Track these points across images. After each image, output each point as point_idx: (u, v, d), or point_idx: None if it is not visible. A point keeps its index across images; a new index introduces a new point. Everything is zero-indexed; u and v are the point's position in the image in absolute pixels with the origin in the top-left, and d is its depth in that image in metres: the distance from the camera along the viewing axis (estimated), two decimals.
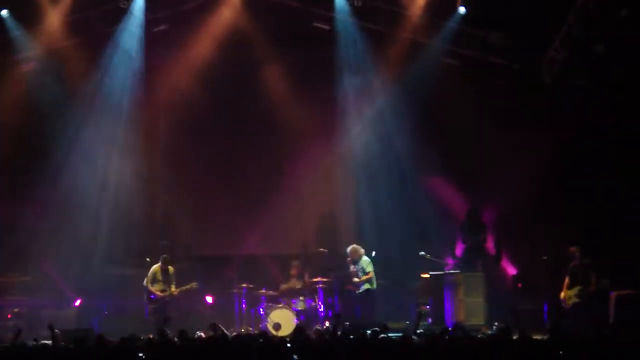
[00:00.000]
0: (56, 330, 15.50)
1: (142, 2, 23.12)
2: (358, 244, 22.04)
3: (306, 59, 24.11)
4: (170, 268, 21.17)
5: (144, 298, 21.24)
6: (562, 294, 20.19)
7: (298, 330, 15.51)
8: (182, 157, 24.51)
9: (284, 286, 22.30)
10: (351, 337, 14.39)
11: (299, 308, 21.38)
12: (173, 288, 20.98)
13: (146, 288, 21.07)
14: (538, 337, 13.75)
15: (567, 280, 20.19)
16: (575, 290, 19.99)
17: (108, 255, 23.79)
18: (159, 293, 20.97)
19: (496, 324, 19.85)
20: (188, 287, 21.09)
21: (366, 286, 21.16)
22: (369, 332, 14.65)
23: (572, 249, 20.32)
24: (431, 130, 23.58)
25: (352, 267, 21.37)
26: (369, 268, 21.21)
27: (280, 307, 21.31)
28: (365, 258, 21.30)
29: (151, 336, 15.28)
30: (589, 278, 19.96)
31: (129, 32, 23.34)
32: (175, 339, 14.23)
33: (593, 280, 19.93)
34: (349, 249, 21.47)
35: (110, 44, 23.41)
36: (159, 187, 24.68)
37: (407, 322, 20.93)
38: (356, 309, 22.15)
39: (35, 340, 15.88)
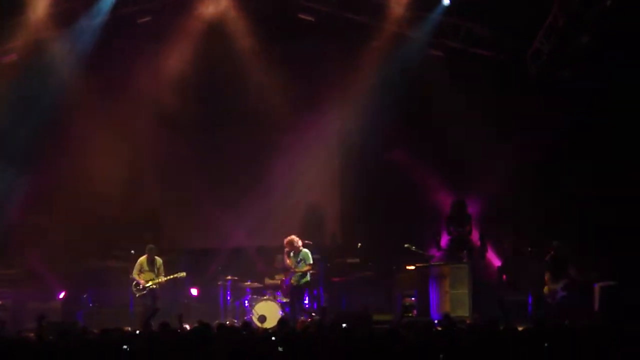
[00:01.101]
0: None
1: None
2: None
3: (291, 51, 24.05)
4: (158, 259, 21.07)
5: (129, 290, 21.12)
6: (546, 289, 20.21)
7: (282, 322, 15.47)
8: (166, 149, 24.45)
9: (268, 280, 22.27)
10: (336, 329, 14.37)
11: (284, 300, 21.30)
12: (161, 278, 20.89)
13: (133, 279, 20.98)
14: (522, 328, 13.72)
15: (548, 274, 20.21)
16: (561, 284, 20.01)
17: (93, 247, 23.78)
18: (145, 282, 20.85)
19: (475, 315, 19.96)
20: (176, 275, 21.01)
21: (305, 279, 20.64)
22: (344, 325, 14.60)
23: (554, 243, 20.36)
24: (416, 122, 23.59)
25: (286, 259, 20.74)
26: (310, 260, 20.67)
27: (265, 300, 21.28)
28: (305, 250, 20.69)
29: (137, 331, 15.24)
30: (568, 269, 20.01)
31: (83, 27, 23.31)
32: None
33: (573, 271, 19.98)
34: (286, 239, 20.66)
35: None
36: (144, 180, 24.52)
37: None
38: (342, 301, 22.27)
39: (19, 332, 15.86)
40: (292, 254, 20.69)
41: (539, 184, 22.72)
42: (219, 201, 23.82)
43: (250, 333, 13.79)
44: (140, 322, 19.12)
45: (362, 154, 23.96)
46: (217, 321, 20.31)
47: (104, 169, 23.76)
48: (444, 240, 23.29)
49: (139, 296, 20.92)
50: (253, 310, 21.04)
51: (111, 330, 13.85)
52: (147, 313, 20.12)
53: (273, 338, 13.32)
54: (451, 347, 12.67)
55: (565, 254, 20.23)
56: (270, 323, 20.21)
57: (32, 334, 15.17)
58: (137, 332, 15.61)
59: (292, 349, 12.67)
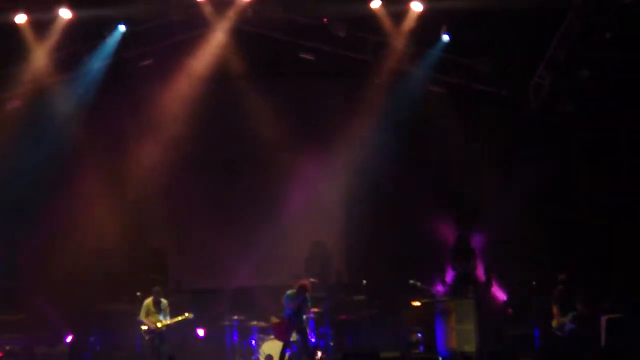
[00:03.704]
0: None
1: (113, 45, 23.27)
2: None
3: (293, 90, 24.20)
4: (164, 301, 21.12)
5: (137, 332, 21.13)
6: (554, 322, 20.17)
7: None
8: (171, 191, 24.51)
9: (274, 318, 22.21)
10: None
11: (291, 339, 21.21)
12: (168, 320, 20.90)
13: (140, 321, 20.98)
14: None
15: (555, 308, 20.18)
16: (569, 316, 19.97)
17: (99, 291, 23.78)
18: (152, 325, 20.86)
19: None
20: (183, 317, 21.03)
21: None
22: None
23: (561, 276, 20.32)
24: (419, 158, 23.62)
25: (287, 302, 20.40)
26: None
27: (272, 339, 21.17)
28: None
29: None
30: (575, 303, 19.97)
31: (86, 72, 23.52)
32: None
33: (581, 305, 19.93)
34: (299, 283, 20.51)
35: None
36: (149, 222, 24.58)
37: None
38: (348, 339, 22.21)
39: None
40: (303, 298, 20.46)
41: (542, 216, 22.70)
42: (224, 241, 23.86)
43: None
44: None
45: (366, 191, 23.97)
46: None
47: (108, 212, 23.85)
48: (449, 275, 23.23)
49: (148, 339, 20.91)
50: (260, 350, 20.99)
51: None
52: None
53: None
54: None
55: (573, 286, 20.21)
56: None
57: None
58: None
59: None
